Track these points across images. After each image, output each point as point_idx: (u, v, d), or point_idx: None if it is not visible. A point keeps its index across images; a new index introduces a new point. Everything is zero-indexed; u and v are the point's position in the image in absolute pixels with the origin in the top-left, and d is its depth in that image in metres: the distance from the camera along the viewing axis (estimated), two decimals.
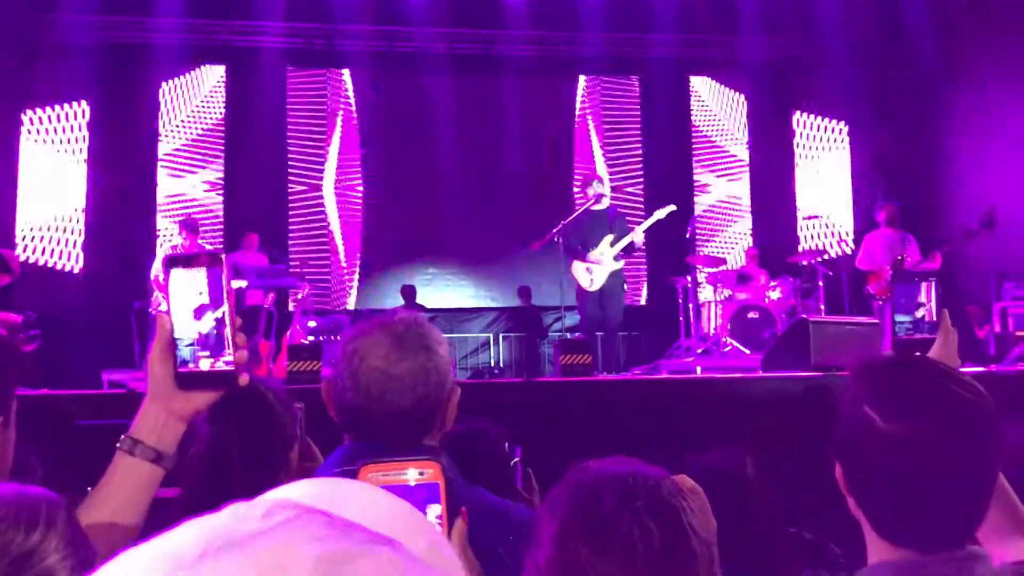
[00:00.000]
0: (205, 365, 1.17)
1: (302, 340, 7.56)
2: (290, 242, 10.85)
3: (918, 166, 10.24)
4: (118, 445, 1.22)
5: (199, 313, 1.16)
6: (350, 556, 0.42)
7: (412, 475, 1.11)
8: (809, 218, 8.69)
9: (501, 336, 10.94)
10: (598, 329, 7.52)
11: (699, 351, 8.29)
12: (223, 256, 1.16)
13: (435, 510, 1.10)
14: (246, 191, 10.58)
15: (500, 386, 5.70)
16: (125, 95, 10.20)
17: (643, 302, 11.36)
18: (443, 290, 11.10)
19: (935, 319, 1.61)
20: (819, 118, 11.44)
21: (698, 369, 7.36)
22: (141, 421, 1.23)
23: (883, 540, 1.28)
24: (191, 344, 1.17)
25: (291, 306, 9.47)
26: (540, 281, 10.18)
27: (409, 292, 10.34)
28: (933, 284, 1.62)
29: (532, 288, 10.72)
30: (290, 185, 11.02)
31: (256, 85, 10.63)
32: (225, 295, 1.15)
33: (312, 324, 8.16)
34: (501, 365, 10.75)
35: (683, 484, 1.40)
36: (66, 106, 10.00)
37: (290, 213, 10.99)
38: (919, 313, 1.61)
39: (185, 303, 1.16)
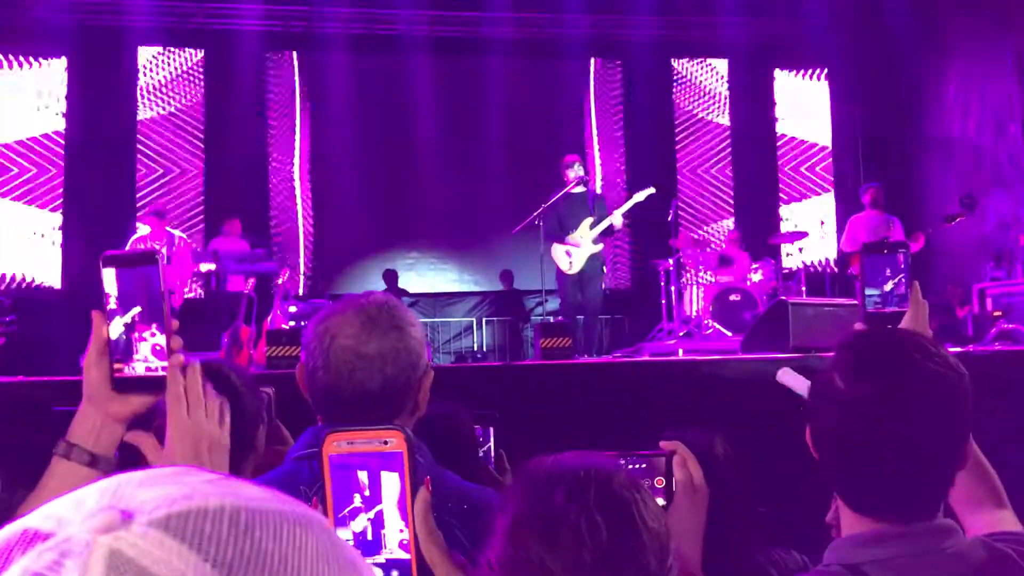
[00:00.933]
0: (140, 368, 1.14)
1: (282, 325, 7.52)
2: (271, 226, 10.77)
3: (899, 147, 10.28)
4: (54, 449, 1.18)
5: (110, 315, 1.13)
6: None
7: (376, 444, 1.09)
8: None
9: (484, 320, 10.92)
10: (578, 312, 7.50)
11: (681, 334, 8.31)
12: (157, 256, 1.13)
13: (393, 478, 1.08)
14: (226, 175, 10.47)
15: (479, 370, 5.69)
16: (101, 79, 10.06)
17: (628, 284, 11.35)
18: (425, 275, 11.06)
19: (905, 291, 1.60)
20: (801, 98, 11.47)
21: (680, 351, 7.37)
22: (77, 424, 1.18)
23: (853, 512, 1.28)
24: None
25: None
26: (522, 265, 10.15)
27: (391, 277, 10.30)
28: (903, 256, 1.61)
29: (514, 272, 10.71)
30: (271, 169, 10.92)
31: (234, 68, 10.50)
32: (164, 296, 1.12)
33: (292, 309, 8.11)
34: (484, 349, 10.73)
35: (678, 451, 1.40)
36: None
37: (271, 197, 10.90)
38: (887, 287, 1.60)
39: (118, 304, 1.13)
